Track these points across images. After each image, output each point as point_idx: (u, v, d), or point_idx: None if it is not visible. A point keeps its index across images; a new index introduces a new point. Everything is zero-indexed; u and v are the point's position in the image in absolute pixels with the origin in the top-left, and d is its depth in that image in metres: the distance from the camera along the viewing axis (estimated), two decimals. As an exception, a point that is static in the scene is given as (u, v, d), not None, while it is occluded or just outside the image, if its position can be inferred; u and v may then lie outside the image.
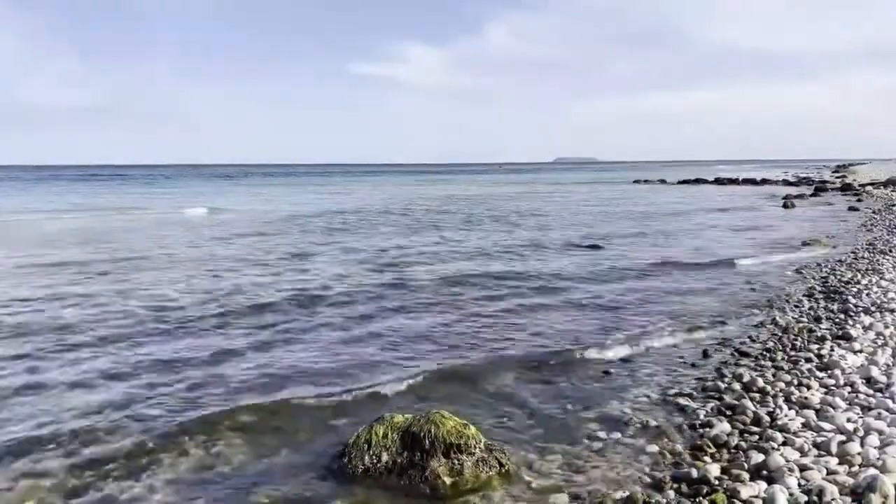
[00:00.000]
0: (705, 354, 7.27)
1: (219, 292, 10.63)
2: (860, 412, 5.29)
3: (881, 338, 7.40)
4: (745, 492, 4.07)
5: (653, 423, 5.40)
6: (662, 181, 62.49)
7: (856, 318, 8.36)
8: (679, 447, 4.92)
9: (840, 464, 4.42)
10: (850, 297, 9.51)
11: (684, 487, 4.29)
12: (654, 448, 4.93)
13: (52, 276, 12.25)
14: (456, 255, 15.05)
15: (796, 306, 9.39)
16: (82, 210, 31.19)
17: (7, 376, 6.63)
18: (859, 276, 11.19)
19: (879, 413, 5.22)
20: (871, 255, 13.86)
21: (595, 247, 16.39)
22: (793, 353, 7.07)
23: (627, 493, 4.24)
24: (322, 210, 30.03)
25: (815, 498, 3.94)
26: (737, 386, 6.14)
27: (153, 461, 4.83)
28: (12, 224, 24.51)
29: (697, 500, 4.06)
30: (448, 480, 4.44)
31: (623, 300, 10.13)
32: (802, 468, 4.35)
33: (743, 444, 4.88)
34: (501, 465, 4.60)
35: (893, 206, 26.97)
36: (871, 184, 41.75)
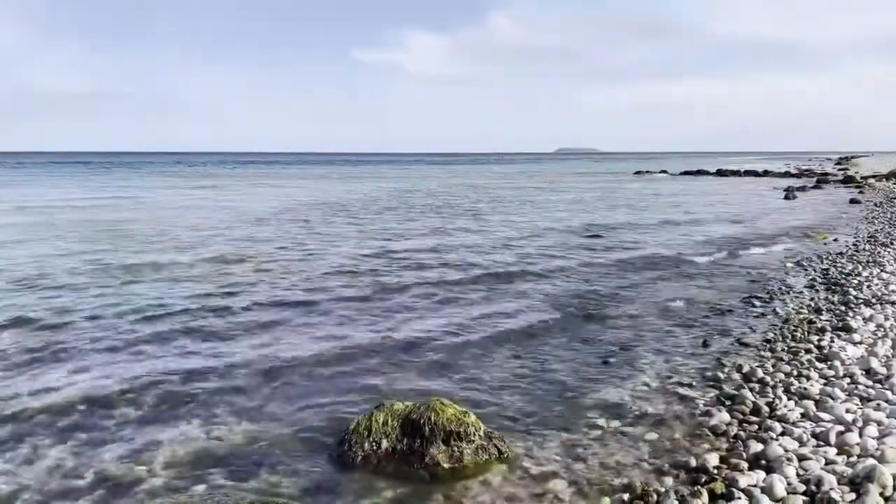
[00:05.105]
0: (705, 344, 7.27)
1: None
2: (859, 403, 5.30)
3: (881, 329, 7.41)
4: (744, 481, 4.08)
5: (652, 411, 5.42)
6: (664, 172, 62.35)
7: (856, 309, 8.36)
8: (678, 436, 4.94)
9: (839, 454, 4.43)
10: (850, 289, 9.51)
11: (683, 476, 4.30)
12: (653, 436, 4.94)
13: None
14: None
15: (797, 297, 9.39)
16: None
17: None
18: (860, 268, 11.19)
19: (878, 404, 5.23)
20: (872, 247, 13.85)
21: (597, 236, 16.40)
22: (793, 343, 7.07)
23: (626, 481, 4.26)
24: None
25: (813, 488, 3.96)
26: (736, 376, 6.15)
27: (152, 445, 4.85)
28: None
29: (696, 488, 4.07)
30: (448, 467, 4.45)
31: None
32: (801, 458, 4.36)
33: (742, 433, 4.90)
34: (501, 452, 4.61)
35: (895, 198, 26.92)
36: (873, 176, 41.64)
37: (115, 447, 4.82)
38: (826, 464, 4.30)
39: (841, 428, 4.76)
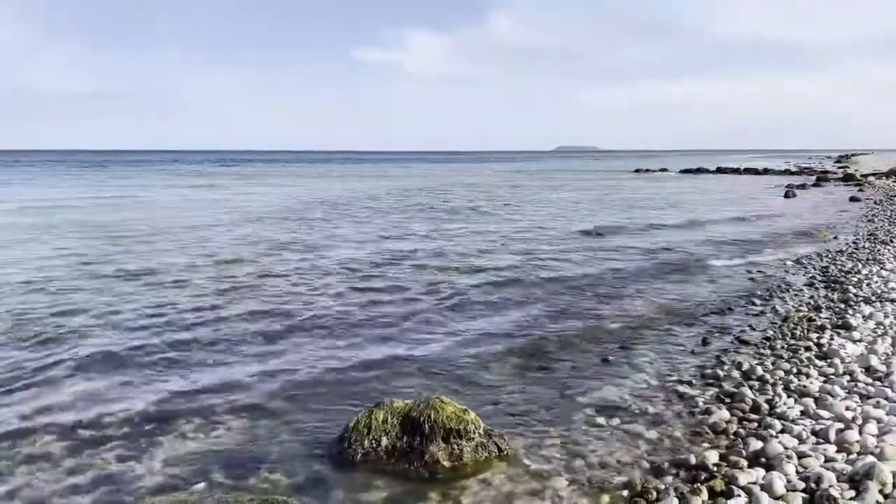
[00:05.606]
0: (704, 342, 7.27)
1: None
2: (859, 400, 5.30)
3: (881, 327, 7.41)
4: (744, 478, 4.08)
5: (652, 409, 5.42)
6: (664, 170, 62.42)
7: (856, 307, 8.36)
8: (678, 433, 4.94)
9: (838, 451, 4.42)
10: (850, 287, 9.51)
11: (683, 473, 4.30)
12: (652, 434, 4.94)
13: None
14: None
15: (796, 295, 9.39)
16: None
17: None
18: (860, 266, 11.19)
19: (878, 401, 5.23)
20: (872, 244, 13.85)
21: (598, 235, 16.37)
22: (792, 341, 7.07)
23: (626, 479, 4.26)
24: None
25: (812, 485, 3.96)
26: (736, 374, 6.15)
27: (152, 443, 4.85)
28: None
29: (696, 486, 4.07)
30: (447, 465, 4.45)
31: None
32: (801, 455, 4.36)
33: (741, 431, 4.90)
34: (501, 449, 4.61)
35: (895, 196, 26.93)
36: (873, 174, 41.63)
37: (115, 445, 4.82)
38: (825, 461, 4.29)
39: (840, 425, 4.76)
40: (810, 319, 7.91)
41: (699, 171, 58.28)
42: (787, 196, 29.00)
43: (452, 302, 9.22)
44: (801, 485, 3.99)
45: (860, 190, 31.26)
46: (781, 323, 7.90)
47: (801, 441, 4.63)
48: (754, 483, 4.04)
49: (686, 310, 8.75)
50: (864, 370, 5.97)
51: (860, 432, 4.63)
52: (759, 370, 6.12)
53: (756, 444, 4.56)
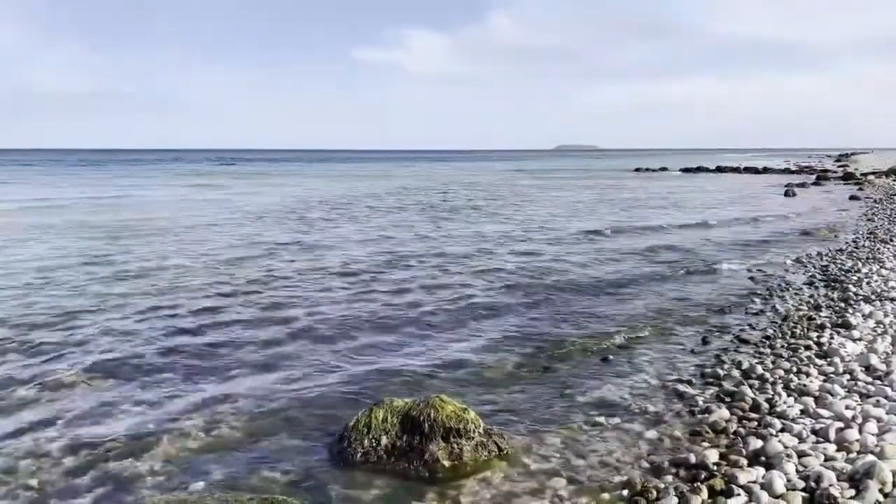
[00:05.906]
0: (705, 341, 7.27)
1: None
2: (859, 399, 5.30)
3: (881, 326, 7.41)
4: (743, 477, 4.08)
5: (652, 408, 5.42)
6: (664, 168, 62.44)
7: (855, 306, 8.36)
8: (678, 433, 4.94)
9: (838, 450, 4.42)
10: (850, 286, 9.51)
11: (682, 472, 4.30)
12: (652, 433, 4.94)
13: None
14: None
15: (796, 294, 9.39)
16: None
17: None
18: (860, 265, 11.18)
19: (878, 400, 5.22)
20: (872, 243, 13.85)
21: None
22: (792, 340, 7.07)
23: (626, 478, 4.26)
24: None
25: (812, 484, 3.96)
26: (736, 373, 6.15)
27: (153, 442, 4.85)
28: None
29: (695, 485, 4.07)
30: (447, 464, 4.45)
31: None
32: (801, 454, 4.36)
33: (741, 430, 4.90)
34: (500, 449, 4.61)
35: (894, 195, 26.92)
36: (873, 173, 41.62)
37: (115, 445, 4.82)
38: (825, 460, 4.29)
39: (840, 424, 4.76)
40: (810, 318, 7.91)
41: (699, 169, 58.30)
42: (786, 195, 29.01)
43: (452, 302, 9.22)
44: (801, 484, 3.99)
45: (860, 189, 31.26)
46: (781, 322, 7.90)
47: (801, 440, 4.63)
48: (754, 482, 4.04)
49: (686, 309, 8.74)
50: (863, 369, 5.97)
51: (860, 431, 4.63)
52: (759, 369, 6.12)
53: (756, 443, 4.56)
